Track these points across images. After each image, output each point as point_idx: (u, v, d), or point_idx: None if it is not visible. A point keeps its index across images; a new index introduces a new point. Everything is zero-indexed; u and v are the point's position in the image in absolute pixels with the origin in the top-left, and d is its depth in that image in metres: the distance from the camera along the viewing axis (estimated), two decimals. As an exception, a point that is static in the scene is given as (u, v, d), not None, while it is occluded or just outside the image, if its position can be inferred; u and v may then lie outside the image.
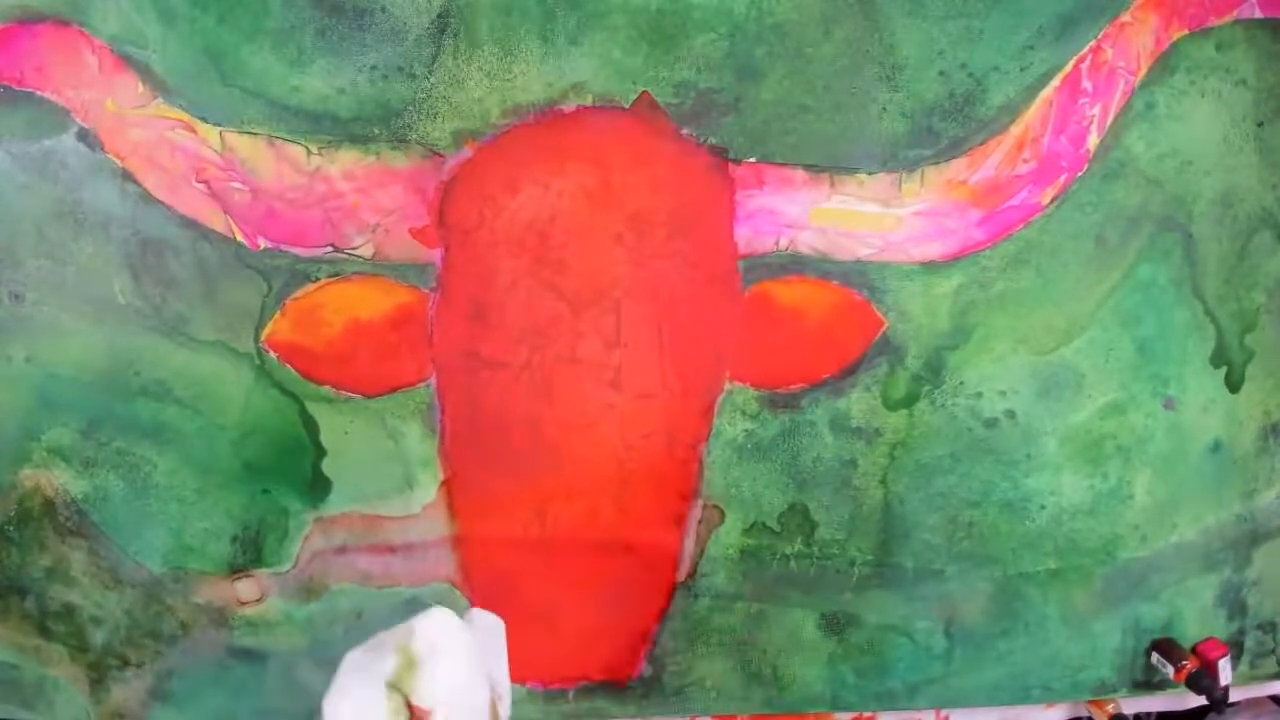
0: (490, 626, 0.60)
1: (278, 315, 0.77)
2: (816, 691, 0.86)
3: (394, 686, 0.51)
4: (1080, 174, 0.80)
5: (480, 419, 0.79)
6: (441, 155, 0.75)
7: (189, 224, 0.75)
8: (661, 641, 0.84)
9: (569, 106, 0.76)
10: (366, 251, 0.76)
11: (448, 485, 0.80)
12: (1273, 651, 0.91)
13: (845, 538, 0.83)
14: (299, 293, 0.77)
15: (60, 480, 0.79)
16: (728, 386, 0.80)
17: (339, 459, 0.79)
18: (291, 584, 0.81)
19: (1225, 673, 0.85)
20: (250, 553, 0.80)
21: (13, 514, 0.79)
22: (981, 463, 0.83)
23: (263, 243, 0.76)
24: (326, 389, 0.78)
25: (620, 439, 0.80)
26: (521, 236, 0.77)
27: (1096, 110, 0.79)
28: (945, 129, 0.78)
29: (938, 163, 0.78)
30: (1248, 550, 0.88)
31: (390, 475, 0.80)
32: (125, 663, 0.82)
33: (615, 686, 0.85)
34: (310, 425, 0.79)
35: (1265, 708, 1.00)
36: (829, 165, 0.78)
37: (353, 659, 0.53)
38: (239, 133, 0.74)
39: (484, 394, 0.79)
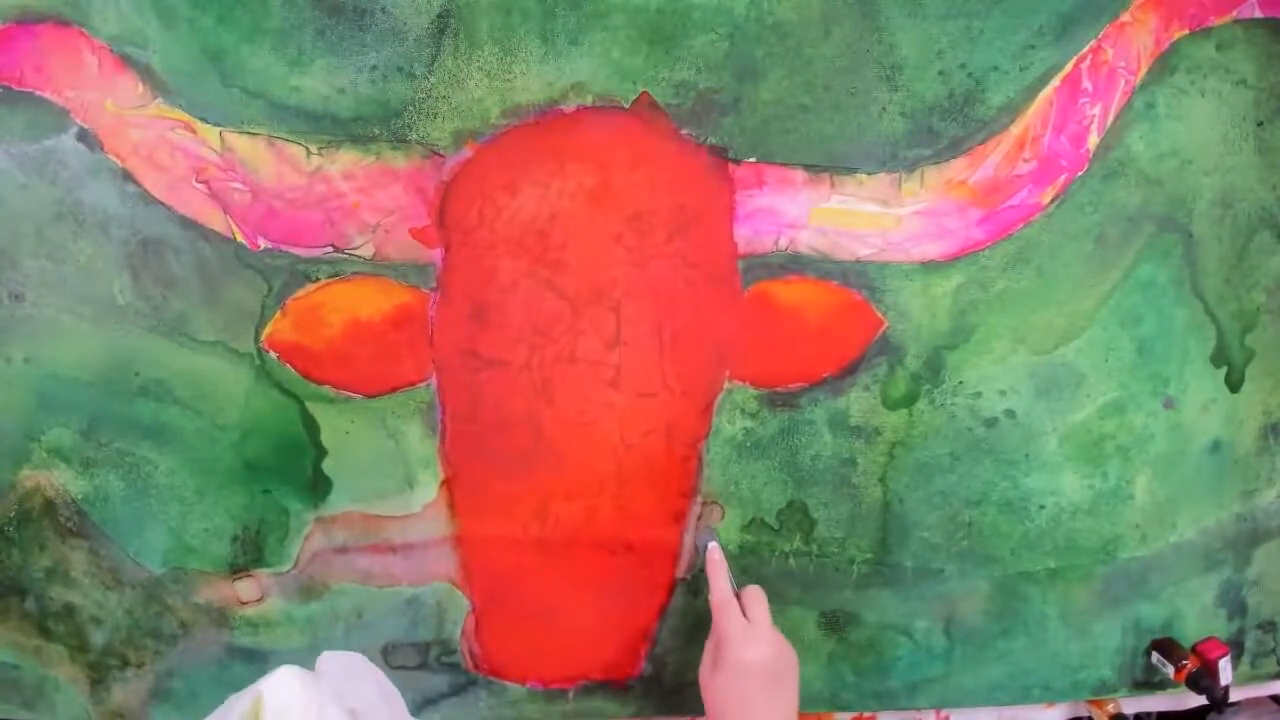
0: (345, 667, 0.61)
1: (278, 315, 0.77)
2: (816, 690, 0.86)
3: None
4: (1080, 174, 0.80)
5: (481, 418, 0.79)
6: (441, 155, 0.75)
7: (189, 224, 0.75)
8: (662, 640, 0.84)
9: (569, 106, 0.76)
10: (366, 252, 0.76)
11: (448, 484, 0.80)
12: (1273, 651, 0.91)
13: (844, 536, 0.83)
14: (299, 293, 0.77)
15: (60, 480, 0.79)
16: (727, 385, 0.81)
17: (339, 459, 0.79)
18: (292, 584, 0.81)
19: (1225, 673, 0.85)
20: (251, 553, 0.80)
21: (13, 514, 0.79)
22: (981, 462, 0.83)
23: (263, 243, 0.76)
24: (327, 389, 0.78)
25: (620, 437, 0.80)
26: (521, 236, 0.77)
27: (1096, 110, 0.79)
28: (945, 129, 0.78)
29: (938, 162, 0.78)
30: (1248, 550, 0.88)
31: (391, 475, 0.80)
32: (125, 663, 0.82)
33: (615, 685, 0.85)
34: (311, 425, 0.79)
35: (1265, 708, 1.00)
36: (829, 165, 0.78)
37: None
38: (239, 133, 0.74)
39: (484, 393, 0.79)
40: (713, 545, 0.79)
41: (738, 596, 0.75)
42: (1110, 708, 0.91)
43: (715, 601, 0.75)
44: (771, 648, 0.73)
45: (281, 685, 0.55)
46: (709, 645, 0.75)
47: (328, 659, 0.61)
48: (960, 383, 0.82)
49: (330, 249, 0.76)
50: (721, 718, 0.72)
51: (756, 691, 0.71)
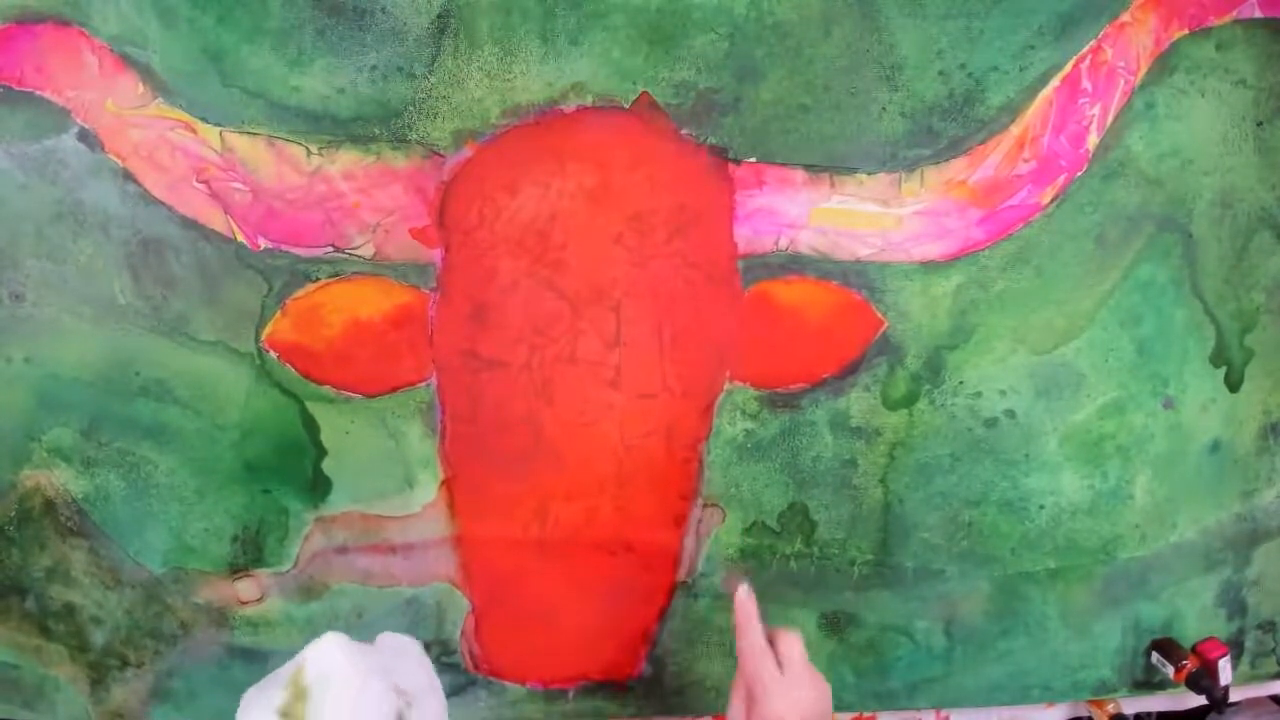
0: (398, 646, 0.62)
1: (278, 315, 0.77)
2: (816, 691, 0.86)
3: (285, 715, 0.53)
4: (1080, 174, 0.80)
5: (480, 419, 0.79)
6: (441, 155, 0.75)
7: (189, 224, 0.75)
8: (662, 641, 0.84)
9: (569, 106, 0.76)
10: (366, 251, 0.76)
11: (448, 485, 0.80)
12: (1273, 651, 0.91)
13: (845, 537, 0.83)
14: (299, 293, 0.77)
15: (61, 480, 0.79)
16: (727, 386, 0.81)
17: (339, 459, 0.79)
18: (292, 584, 0.81)
19: (1225, 673, 0.85)
20: (250, 553, 0.80)
21: (13, 514, 0.79)
22: (981, 462, 0.83)
23: (263, 243, 0.76)
24: (327, 389, 0.78)
25: (620, 438, 0.80)
26: (521, 236, 0.77)
27: (1096, 110, 0.79)
28: (945, 129, 0.78)
29: (938, 162, 0.78)
30: (1248, 550, 0.89)
31: (391, 475, 0.80)
32: (125, 663, 0.82)
33: (615, 686, 0.85)
34: (310, 425, 0.79)
35: (1265, 708, 1.00)
36: (829, 165, 0.78)
37: (248, 696, 0.55)
38: (239, 133, 0.74)
39: (484, 394, 0.79)
40: (742, 588, 0.70)
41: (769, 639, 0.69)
42: (1110, 708, 0.91)
43: (746, 648, 0.68)
44: (810, 691, 0.67)
45: (325, 654, 0.55)
46: (738, 691, 0.68)
47: (387, 638, 0.62)
48: (960, 383, 0.82)
49: (330, 249, 0.76)
50: None
51: None
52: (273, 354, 0.78)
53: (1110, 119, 0.80)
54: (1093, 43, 0.78)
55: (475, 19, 0.74)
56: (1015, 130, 0.78)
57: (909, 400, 0.82)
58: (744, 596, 0.70)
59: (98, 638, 0.81)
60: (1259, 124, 0.82)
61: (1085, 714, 0.92)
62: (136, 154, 0.74)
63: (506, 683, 0.84)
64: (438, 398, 0.79)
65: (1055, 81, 0.78)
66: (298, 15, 0.73)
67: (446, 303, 0.78)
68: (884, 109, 0.77)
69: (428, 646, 0.82)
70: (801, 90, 0.77)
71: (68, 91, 0.73)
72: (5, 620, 0.81)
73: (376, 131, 0.75)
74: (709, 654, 0.85)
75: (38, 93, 0.73)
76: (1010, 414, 0.83)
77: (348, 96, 0.74)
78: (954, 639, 0.86)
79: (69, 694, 0.82)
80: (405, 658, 0.61)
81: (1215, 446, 0.86)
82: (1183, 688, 0.86)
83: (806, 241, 0.79)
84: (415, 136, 0.75)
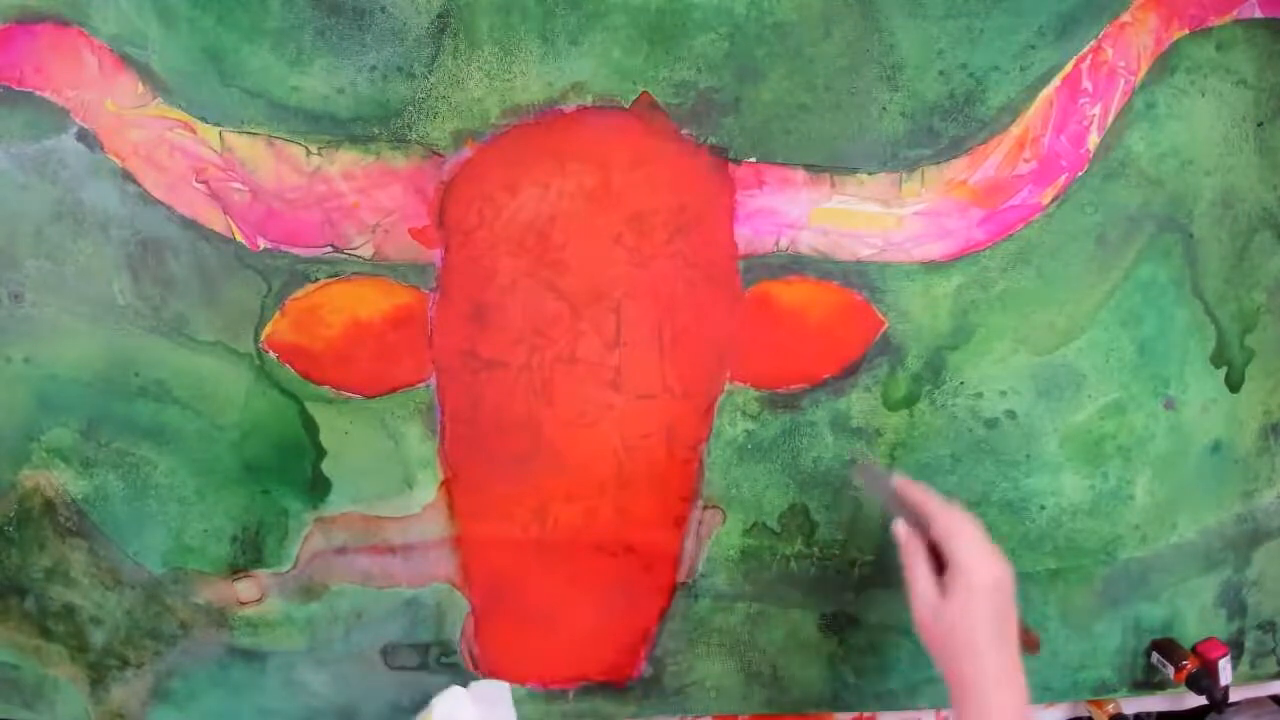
0: (495, 696, 0.64)
1: (277, 315, 0.77)
2: (817, 691, 0.86)
3: None
4: (1081, 174, 0.80)
5: (480, 419, 0.79)
6: (441, 155, 0.75)
7: (188, 224, 0.75)
8: (662, 642, 0.84)
9: (569, 106, 0.76)
10: (366, 252, 0.76)
11: (448, 486, 0.80)
12: (1273, 651, 0.91)
13: (846, 538, 0.83)
14: (299, 293, 0.77)
15: (60, 481, 0.79)
16: (728, 387, 0.80)
17: (339, 459, 0.79)
18: (291, 584, 0.81)
19: (1225, 673, 0.85)
20: (250, 553, 0.80)
21: (13, 514, 0.79)
22: (982, 463, 0.83)
23: (262, 243, 0.76)
24: (326, 389, 0.78)
25: (620, 439, 0.80)
26: (521, 237, 0.77)
27: (1097, 110, 0.79)
28: (946, 129, 0.78)
29: (938, 162, 0.78)
30: (1248, 550, 0.89)
31: (390, 476, 0.80)
32: (125, 663, 0.82)
33: (615, 687, 0.85)
34: (310, 426, 0.79)
35: (1265, 708, 1.00)
36: (829, 165, 0.78)
37: None
38: (238, 133, 0.74)
39: (484, 394, 0.79)
40: (895, 478, 0.73)
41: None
42: (1110, 708, 0.91)
43: (936, 509, 0.69)
44: (1005, 560, 0.67)
45: (454, 706, 0.62)
46: (922, 578, 0.67)
47: (482, 687, 0.70)
48: (961, 383, 0.82)
49: (330, 249, 0.76)
50: (970, 648, 0.64)
51: (1009, 607, 0.66)
52: (272, 354, 0.78)
53: (1111, 119, 0.80)
54: (1093, 43, 0.78)
55: (475, 19, 0.74)
56: (1016, 130, 0.78)
57: (910, 401, 0.82)
58: (902, 482, 0.73)
59: (97, 638, 0.81)
60: (1260, 124, 0.82)
61: (1085, 714, 0.92)
62: (136, 154, 0.74)
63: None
64: (437, 398, 0.79)
65: (1056, 81, 0.78)
66: (298, 15, 0.73)
67: (446, 303, 0.78)
68: (884, 109, 0.77)
69: (428, 647, 0.83)
70: (802, 90, 0.77)
71: (67, 91, 0.73)
72: (5, 620, 0.81)
73: (376, 131, 0.75)
74: (709, 654, 0.85)
75: (37, 93, 0.73)
76: (1011, 414, 0.83)
77: (347, 96, 0.74)
78: (954, 639, 0.86)
79: (69, 694, 0.82)
80: (499, 706, 0.68)
81: (1216, 447, 0.86)
82: (1183, 688, 0.86)
83: (807, 242, 0.79)
84: (415, 136, 0.75)
